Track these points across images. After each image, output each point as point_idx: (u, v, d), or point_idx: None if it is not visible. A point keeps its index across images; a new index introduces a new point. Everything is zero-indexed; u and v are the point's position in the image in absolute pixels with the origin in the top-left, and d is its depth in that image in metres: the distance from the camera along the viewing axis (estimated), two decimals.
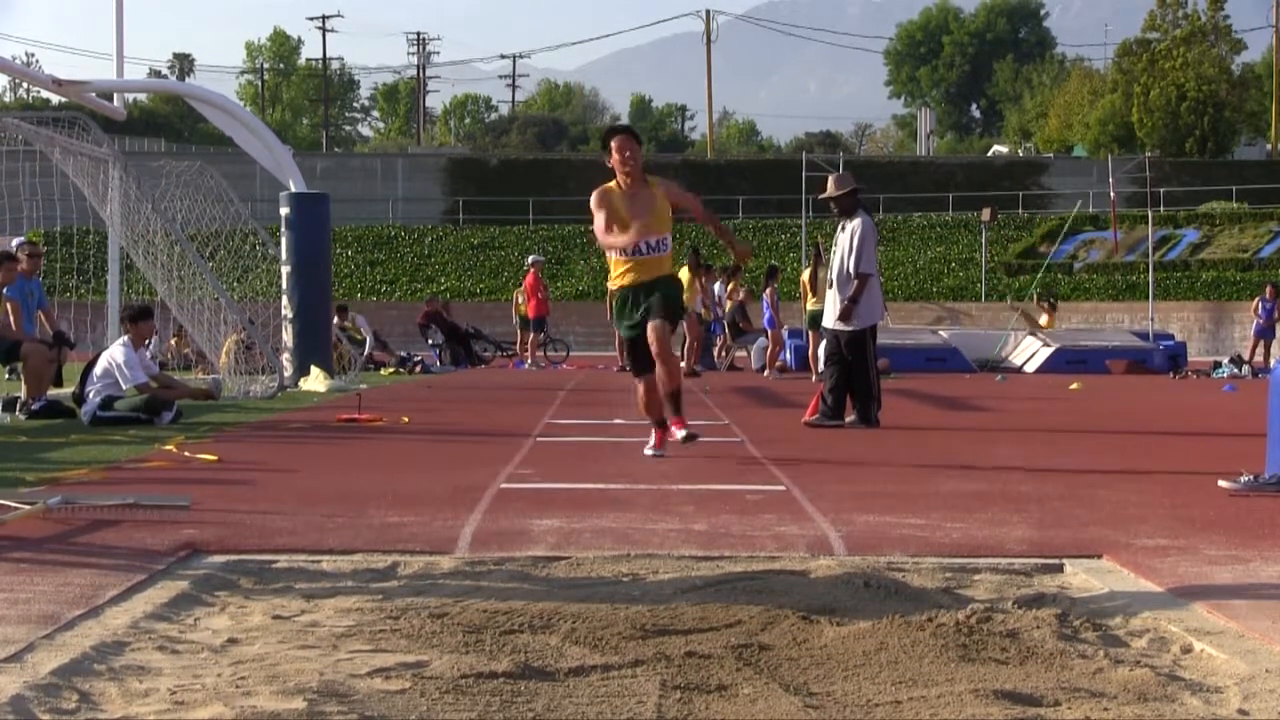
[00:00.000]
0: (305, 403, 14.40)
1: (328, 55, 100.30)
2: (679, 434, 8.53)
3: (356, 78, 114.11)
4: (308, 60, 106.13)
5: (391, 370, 22.94)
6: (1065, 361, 24.23)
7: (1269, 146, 69.81)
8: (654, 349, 8.38)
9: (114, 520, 5.83)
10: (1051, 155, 66.45)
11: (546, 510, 6.30)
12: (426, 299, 31.86)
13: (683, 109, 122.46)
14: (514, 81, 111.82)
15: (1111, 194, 34.88)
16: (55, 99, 41.82)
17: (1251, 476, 6.92)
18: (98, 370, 11.43)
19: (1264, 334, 29.60)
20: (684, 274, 21.51)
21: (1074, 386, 18.83)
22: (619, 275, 8.57)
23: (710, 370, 22.29)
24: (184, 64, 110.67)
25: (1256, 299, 30.69)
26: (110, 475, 7.63)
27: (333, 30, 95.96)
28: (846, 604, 4.29)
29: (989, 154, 74.86)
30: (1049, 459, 8.95)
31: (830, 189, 11.55)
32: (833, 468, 8.32)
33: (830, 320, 11.51)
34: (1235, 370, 24.39)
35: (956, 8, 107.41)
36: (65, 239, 27.54)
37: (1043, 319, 28.66)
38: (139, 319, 11.72)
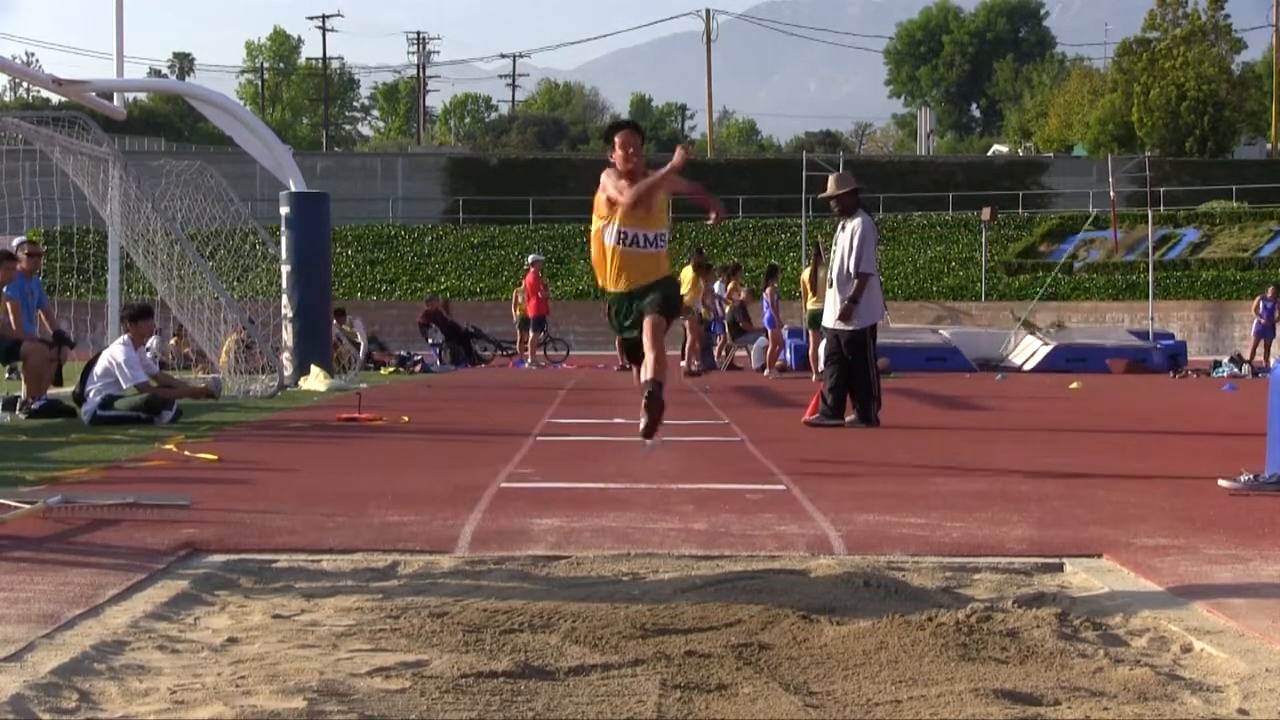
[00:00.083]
0: (305, 402, 14.41)
1: (328, 55, 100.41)
2: (641, 436, 7.67)
3: (356, 77, 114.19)
4: (308, 60, 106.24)
5: (391, 370, 22.94)
6: (1065, 360, 24.24)
7: (1269, 146, 69.76)
8: (646, 339, 7.81)
9: (114, 519, 5.83)
10: (1051, 155, 66.46)
11: (546, 509, 6.30)
12: (426, 298, 31.85)
13: (683, 108, 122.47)
14: (514, 81, 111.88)
15: (1111, 193, 34.79)
16: (55, 98, 41.81)
17: (1251, 476, 6.92)
18: (98, 369, 11.43)
19: (1264, 333, 29.61)
20: (687, 273, 21.53)
21: (1074, 386, 18.83)
22: (613, 275, 8.02)
23: (710, 369, 22.28)
24: (184, 63, 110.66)
25: (1258, 298, 30.68)
26: (110, 474, 7.63)
27: (333, 30, 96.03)
28: (846, 603, 4.29)
29: (989, 153, 74.86)
30: (1049, 459, 8.94)
31: (830, 188, 11.56)
32: (833, 467, 8.31)
33: (830, 320, 11.51)
34: (1235, 370, 24.40)
35: (956, 7, 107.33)
36: (65, 238, 27.50)
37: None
38: (139, 318, 11.73)
